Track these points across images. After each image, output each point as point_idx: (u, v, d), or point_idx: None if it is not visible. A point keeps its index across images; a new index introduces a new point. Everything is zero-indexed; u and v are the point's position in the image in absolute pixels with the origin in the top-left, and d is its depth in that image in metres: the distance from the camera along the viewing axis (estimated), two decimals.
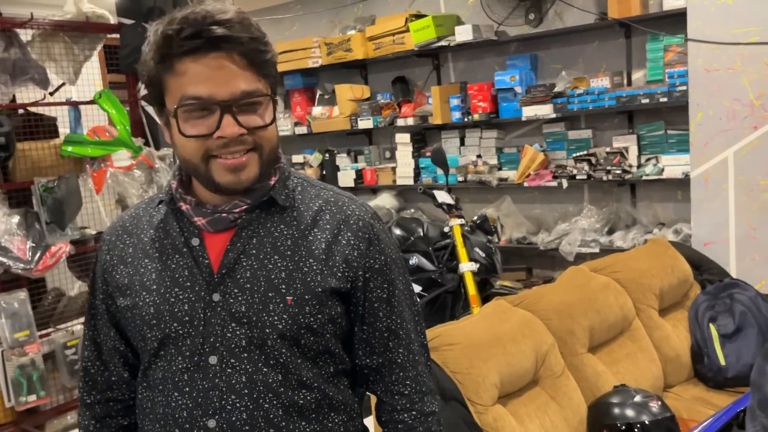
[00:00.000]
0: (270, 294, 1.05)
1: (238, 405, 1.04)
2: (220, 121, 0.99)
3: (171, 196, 1.12)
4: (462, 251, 3.25)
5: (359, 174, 4.88)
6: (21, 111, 3.45)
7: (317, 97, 5.23)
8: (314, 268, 1.06)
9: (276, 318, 1.04)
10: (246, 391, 1.04)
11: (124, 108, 3.54)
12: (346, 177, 4.89)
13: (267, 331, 1.04)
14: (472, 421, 1.91)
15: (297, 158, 5.23)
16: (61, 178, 3.32)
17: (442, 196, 3.41)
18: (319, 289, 1.05)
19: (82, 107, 3.58)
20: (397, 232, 3.67)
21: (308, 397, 1.07)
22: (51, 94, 3.52)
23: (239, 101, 0.99)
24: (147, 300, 1.08)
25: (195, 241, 1.08)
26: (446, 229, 3.39)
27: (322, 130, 5.00)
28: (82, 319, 2.75)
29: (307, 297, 1.05)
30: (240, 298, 1.05)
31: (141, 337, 1.09)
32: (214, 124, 0.99)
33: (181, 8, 1.00)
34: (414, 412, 1.13)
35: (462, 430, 1.87)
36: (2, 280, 3.22)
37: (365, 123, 4.73)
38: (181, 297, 1.07)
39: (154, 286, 1.08)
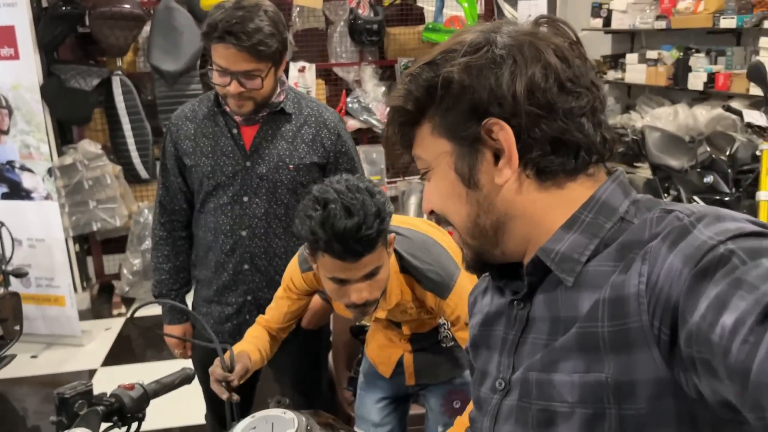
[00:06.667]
0: (280, 163, 1.77)
1: (258, 224, 1.80)
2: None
3: (218, 100, 1.77)
4: (766, 179, 3.05)
5: (711, 78, 4.59)
6: (398, 1, 4.29)
7: None
8: (305, 149, 1.78)
9: (283, 177, 1.77)
10: (264, 216, 1.80)
11: (474, 1, 4.09)
12: (696, 80, 4.65)
13: (278, 184, 1.78)
14: None
15: (651, 54, 5.10)
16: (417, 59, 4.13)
17: (752, 116, 3.16)
18: (308, 161, 1.79)
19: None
20: (705, 148, 3.54)
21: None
22: None
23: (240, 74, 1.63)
24: (205, 162, 1.79)
25: (234, 130, 1.78)
26: (758, 152, 3.19)
27: (681, 26, 4.76)
28: None
29: (300, 165, 1.77)
30: (262, 165, 1.77)
31: (199, 183, 1.80)
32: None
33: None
34: None
35: None
36: (367, 136, 4.28)
37: (728, 22, 4.35)
38: (227, 162, 1.77)
39: (210, 154, 1.78)
